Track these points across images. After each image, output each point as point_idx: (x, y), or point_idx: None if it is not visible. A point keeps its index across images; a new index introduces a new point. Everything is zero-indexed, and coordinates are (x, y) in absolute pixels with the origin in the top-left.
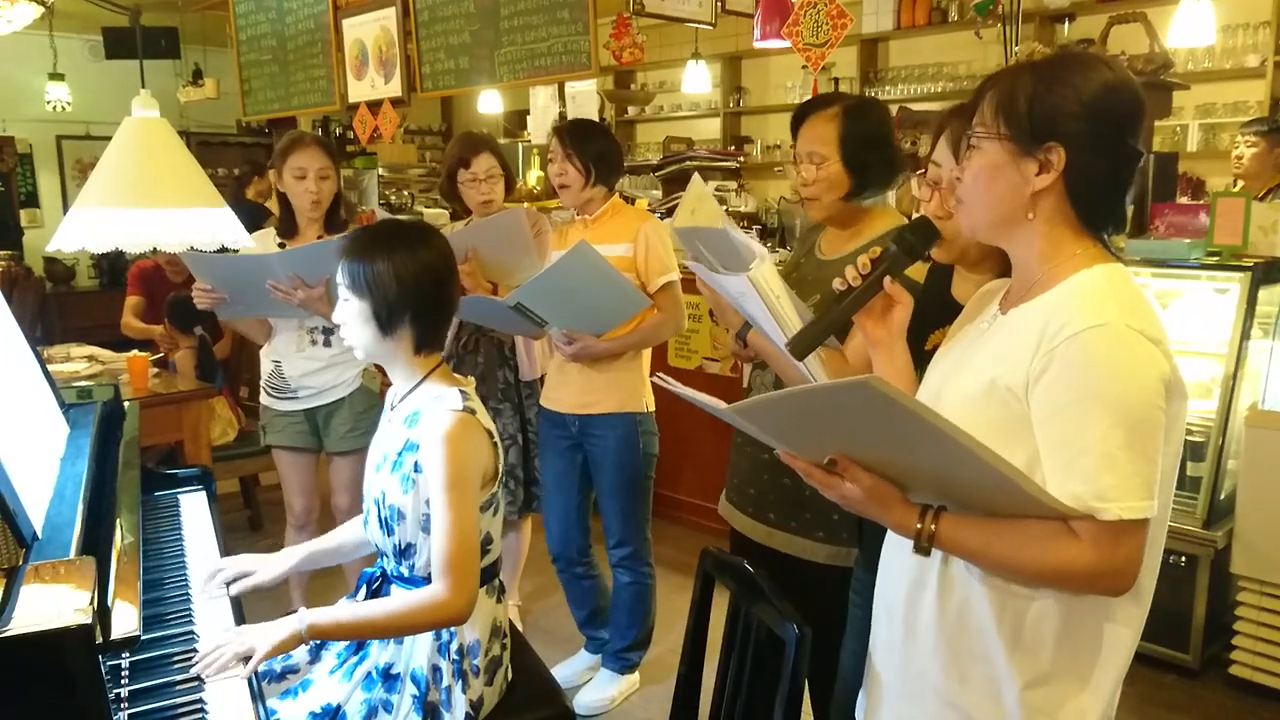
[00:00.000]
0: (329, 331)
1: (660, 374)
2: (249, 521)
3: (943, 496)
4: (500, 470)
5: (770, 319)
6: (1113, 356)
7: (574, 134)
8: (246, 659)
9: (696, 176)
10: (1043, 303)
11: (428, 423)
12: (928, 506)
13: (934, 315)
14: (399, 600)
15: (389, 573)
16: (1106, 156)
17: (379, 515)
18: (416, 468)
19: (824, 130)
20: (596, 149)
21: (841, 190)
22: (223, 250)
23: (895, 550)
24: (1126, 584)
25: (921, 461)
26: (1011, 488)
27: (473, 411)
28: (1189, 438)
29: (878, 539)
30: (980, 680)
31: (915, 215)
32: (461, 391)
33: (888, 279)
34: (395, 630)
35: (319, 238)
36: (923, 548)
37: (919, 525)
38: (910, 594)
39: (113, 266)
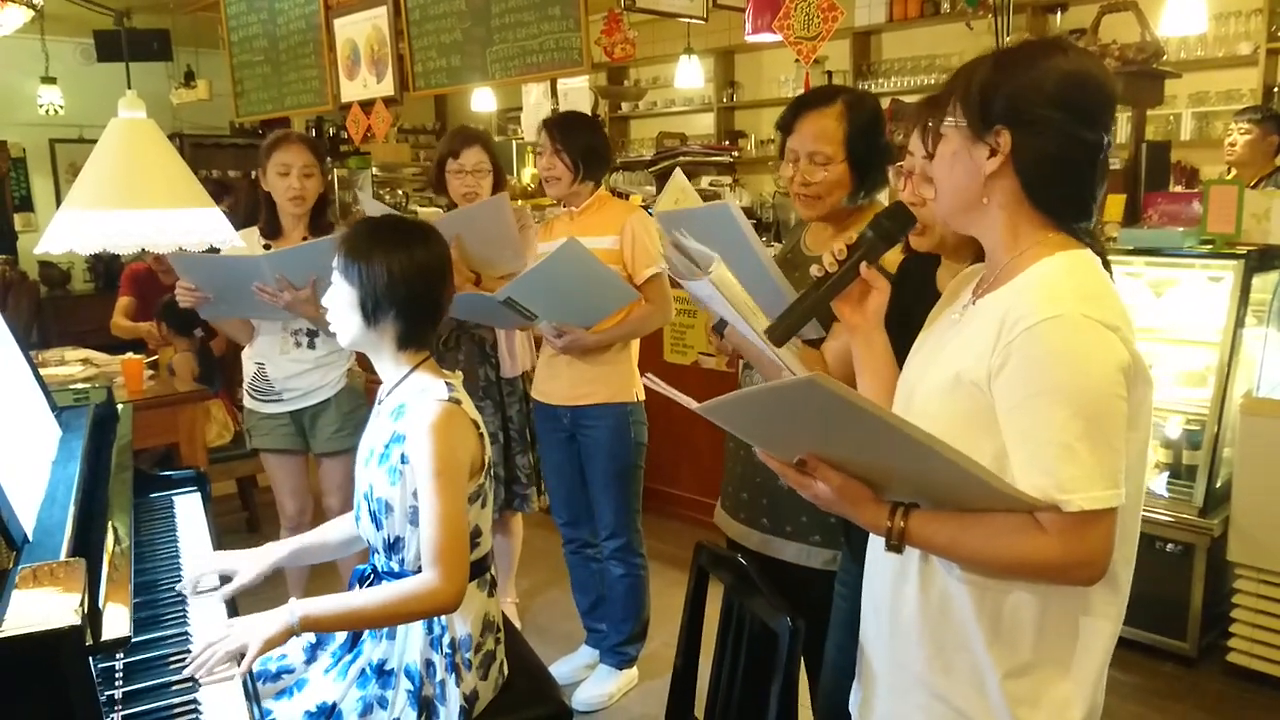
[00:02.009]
0: (313, 333)
1: (648, 374)
2: (247, 523)
3: (916, 494)
4: (488, 462)
5: (739, 318)
6: (1067, 348)
7: (563, 128)
8: (240, 657)
9: (678, 171)
10: (1004, 294)
11: (414, 414)
12: (898, 504)
13: (923, 311)
14: (390, 589)
15: (380, 569)
16: (1055, 140)
17: (369, 509)
18: (403, 459)
19: (828, 128)
20: (585, 144)
21: (845, 191)
22: (211, 250)
23: (879, 545)
24: (1097, 574)
25: (886, 457)
26: (974, 481)
27: (458, 402)
28: (1185, 426)
29: (864, 532)
30: (964, 671)
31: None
32: (448, 383)
33: (864, 264)
34: (387, 619)
35: (303, 238)
36: (893, 545)
37: (889, 523)
38: (894, 587)
39: (108, 270)
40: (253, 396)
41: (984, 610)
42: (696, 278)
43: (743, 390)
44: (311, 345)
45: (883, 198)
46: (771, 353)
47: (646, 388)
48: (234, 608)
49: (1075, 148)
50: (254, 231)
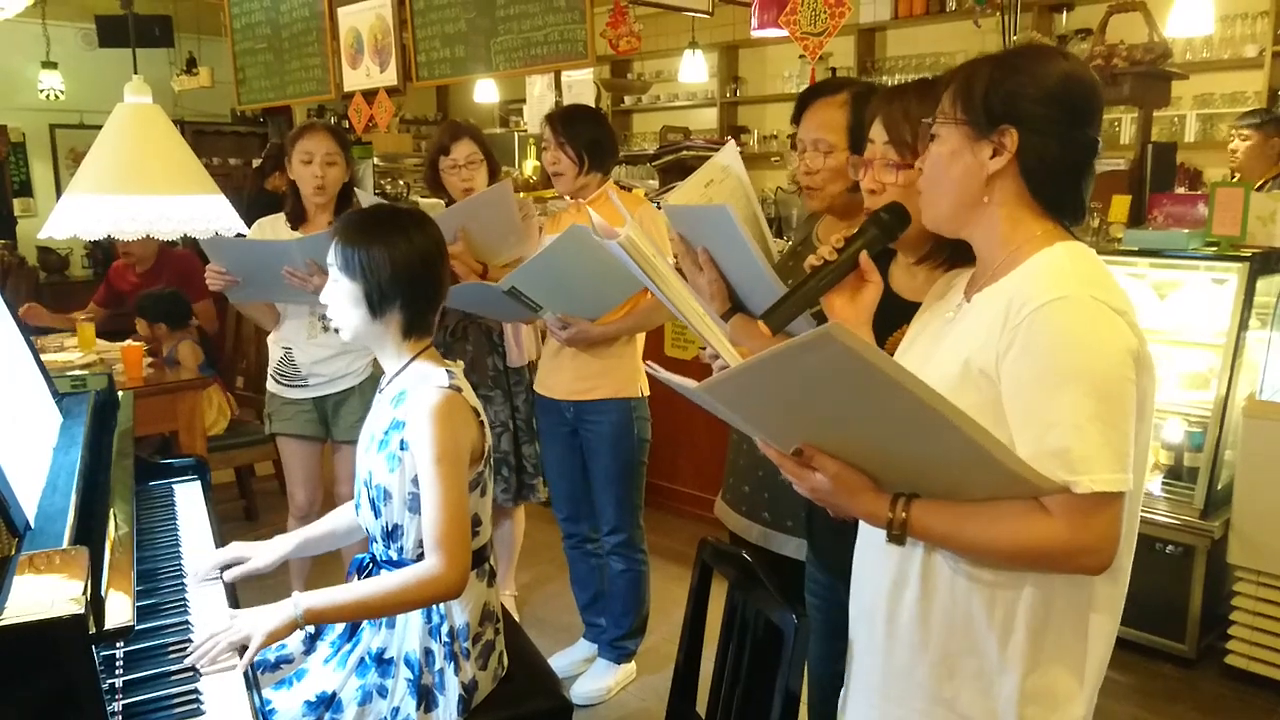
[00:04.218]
0: None
1: (649, 363)
2: (244, 511)
3: (914, 483)
4: (487, 450)
5: (652, 284)
6: (1077, 327)
7: (565, 121)
8: (242, 649)
9: (730, 144)
10: (1006, 283)
11: (414, 400)
12: (899, 494)
13: (885, 315)
14: (392, 578)
15: (378, 557)
16: (1060, 140)
17: (368, 496)
18: (403, 445)
19: (831, 117)
20: (589, 136)
21: (847, 181)
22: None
23: (871, 551)
24: (1104, 561)
25: (889, 436)
26: (985, 460)
27: (459, 389)
28: (1187, 428)
29: (828, 535)
30: (969, 674)
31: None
32: (448, 371)
33: (863, 255)
34: (390, 608)
35: (329, 224)
36: (895, 536)
37: (890, 514)
38: (892, 592)
39: (106, 256)
40: (277, 381)
41: (994, 611)
42: (611, 239)
43: (751, 358)
44: (338, 330)
45: None
46: (689, 322)
47: (650, 376)
48: (235, 597)
49: (1076, 148)
50: (280, 218)
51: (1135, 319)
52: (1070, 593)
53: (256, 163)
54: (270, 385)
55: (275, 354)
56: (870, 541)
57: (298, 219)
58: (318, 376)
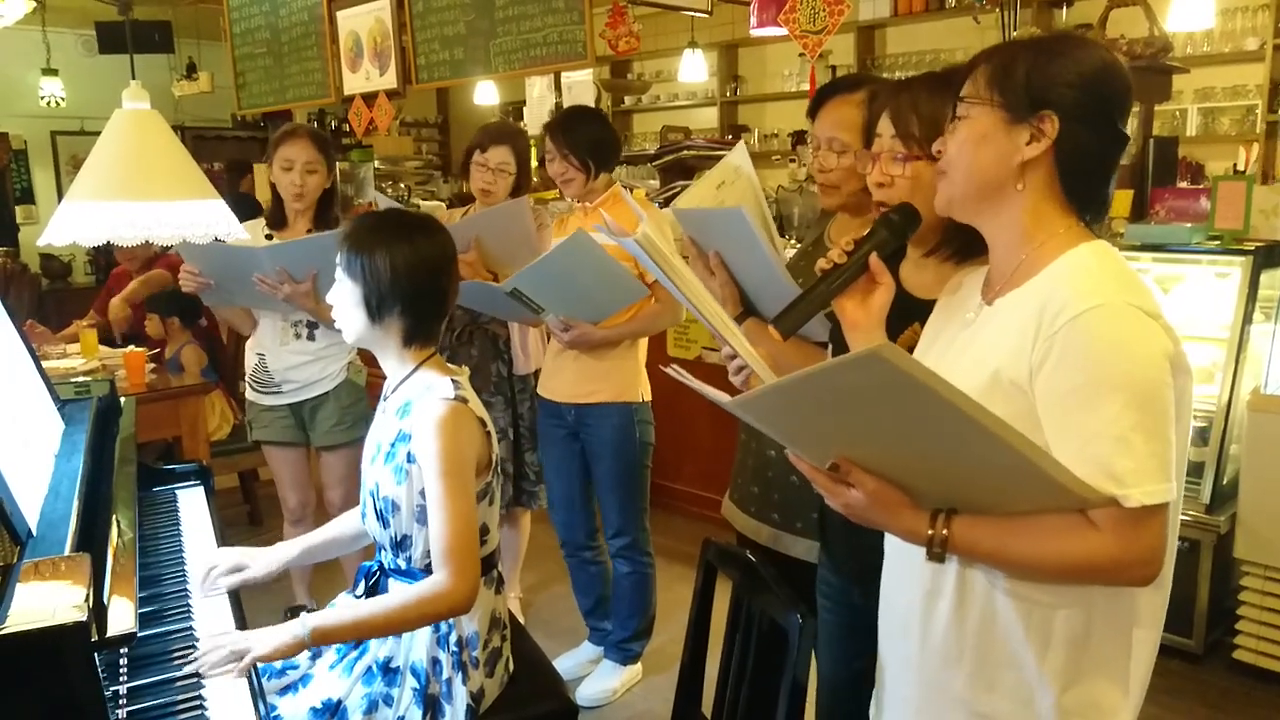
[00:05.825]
0: (314, 325)
1: (675, 365)
2: (248, 516)
3: (951, 498)
4: (495, 459)
5: (669, 281)
6: (1116, 336)
7: (566, 129)
8: (243, 656)
9: (741, 145)
10: (1034, 287)
11: (420, 412)
12: (938, 510)
13: (894, 312)
14: (401, 594)
15: (386, 565)
16: (1098, 133)
17: (375, 507)
18: (409, 458)
19: (848, 116)
20: (591, 140)
21: (862, 181)
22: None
23: (903, 561)
24: (1153, 573)
25: (932, 452)
26: (1031, 471)
27: (465, 400)
28: (1193, 423)
29: (841, 537)
30: (1009, 687)
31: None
32: (454, 380)
33: (873, 256)
34: (400, 625)
35: (308, 231)
36: (935, 554)
37: (930, 531)
38: (925, 604)
39: (109, 263)
40: (254, 388)
41: (1032, 624)
42: (626, 238)
43: (791, 375)
44: (311, 337)
45: None
46: (708, 322)
47: (664, 380)
48: (240, 609)
49: (1110, 140)
50: (259, 223)
51: (1168, 321)
52: (1111, 605)
53: (218, 166)
54: (248, 393)
55: (251, 361)
56: (900, 552)
57: (278, 223)
58: (291, 383)
